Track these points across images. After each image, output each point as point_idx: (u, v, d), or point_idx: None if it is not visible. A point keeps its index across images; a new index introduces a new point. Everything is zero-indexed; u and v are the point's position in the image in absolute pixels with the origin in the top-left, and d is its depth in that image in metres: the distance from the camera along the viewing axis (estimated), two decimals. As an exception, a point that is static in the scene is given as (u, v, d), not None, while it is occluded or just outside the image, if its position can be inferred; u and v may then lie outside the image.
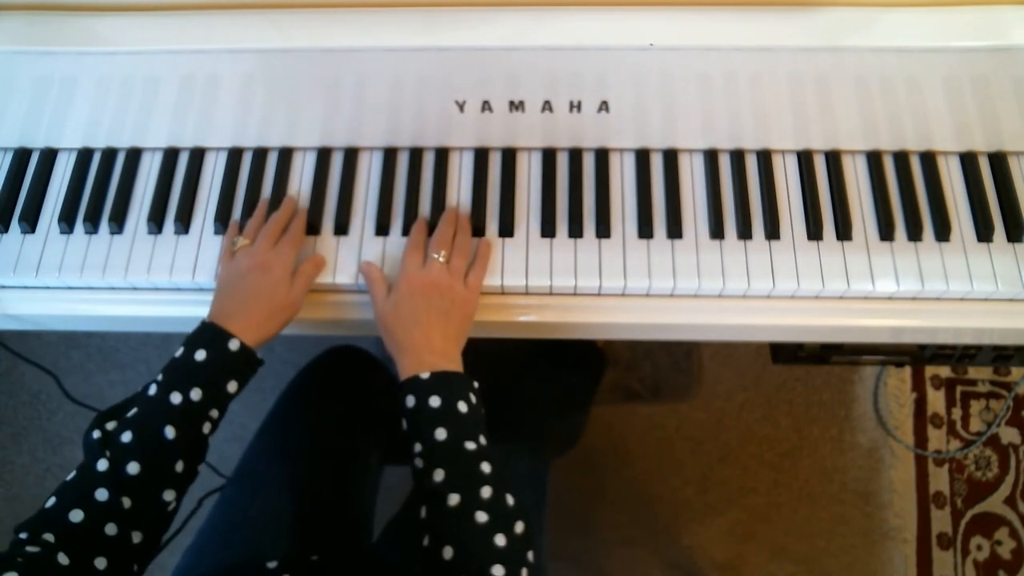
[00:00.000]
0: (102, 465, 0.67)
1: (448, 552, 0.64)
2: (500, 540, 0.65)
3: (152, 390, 0.71)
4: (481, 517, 0.65)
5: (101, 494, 0.66)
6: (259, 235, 0.80)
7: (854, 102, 0.81)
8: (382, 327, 0.76)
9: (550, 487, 1.06)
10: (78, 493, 0.66)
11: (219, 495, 0.95)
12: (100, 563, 0.64)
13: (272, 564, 0.76)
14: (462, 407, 0.70)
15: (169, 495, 0.69)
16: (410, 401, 0.70)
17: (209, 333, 0.73)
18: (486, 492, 0.66)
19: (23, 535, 0.64)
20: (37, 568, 0.61)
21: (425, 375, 0.71)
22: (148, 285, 0.85)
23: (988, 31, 0.76)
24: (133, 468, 0.67)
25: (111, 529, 0.65)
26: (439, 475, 0.67)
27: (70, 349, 1.69)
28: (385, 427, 1.05)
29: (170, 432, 0.69)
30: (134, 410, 0.70)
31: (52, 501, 0.66)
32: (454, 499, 0.66)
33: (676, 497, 1.55)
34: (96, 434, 0.69)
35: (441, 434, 0.68)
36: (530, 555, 0.66)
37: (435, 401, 0.70)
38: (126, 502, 0.66)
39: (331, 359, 1.07)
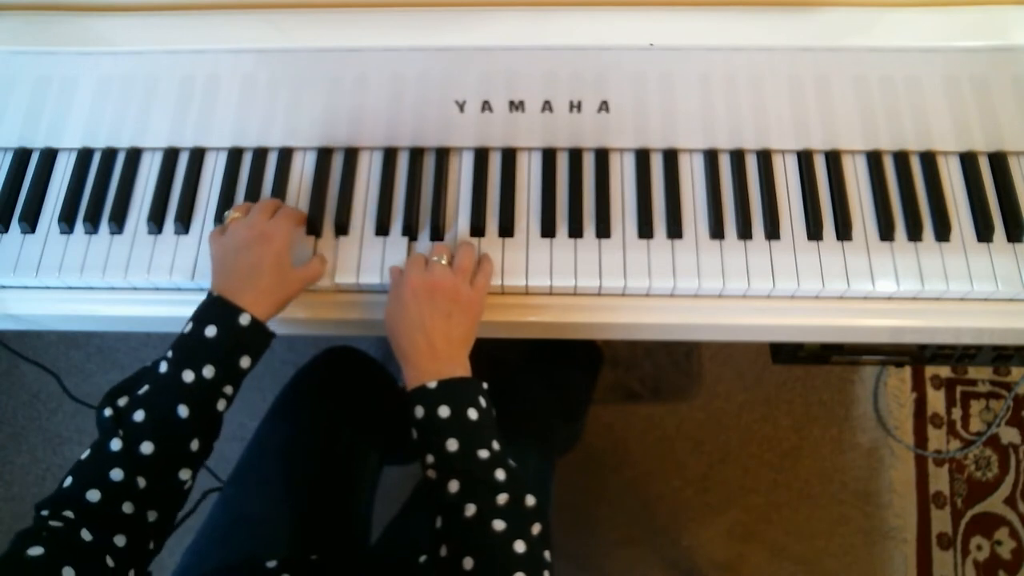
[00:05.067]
0: (116, 445, 0.66)
1: (468, 563, 0.63)
2: (519, 546, 0.64)
3: (163, 367, 0.70)
4: (499, 525, 0.64)
5: (116, 474, 0.65)
6: (253, 208, 0.79)
7: (854, 102, 0.81)
8: (387, 333, 0.76)
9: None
10: (94, 473, 0.66)
11: (218, 495, 0.95)
12: (119, 540, 0.64)
13: (271, 564, 0.76)
14: (472, 414, 0.69)
15: (185, 474, 0.69)
16: (419, 412, 0.69)
17: (218, 307, 0.72)
18: (502, 499, 0.66)
19: (44, 512, 0.64)
20: (61, 543, 0.61)
21: (432, 384, 0.69)
22: (148, 285, 0.85)
23: (988, 31, 0.76)
24: (147, 448, 0.66)
25: (128, 508, 0.65)
26: (454, 486, 0.66)
27: (70, 349, 1.69)
28: (384, 427, 1.05)
29: (183, 411, 0.68)
30: (145, 387, 0.69)
31: (69, 480, 0.66)
32: (471, 509, 0.65)
33: (676, 497, 1.56)
34: (108, 411, 0.69)
35: (453, 445, 0.67)
36: (547, 555, 0.66)
37: (444, 411, 0.68)
38: (141, 482, 0.66)
39: (329, 359, 1.07)
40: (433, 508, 0.68)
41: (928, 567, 1.51)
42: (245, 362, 0.72)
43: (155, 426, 0.67)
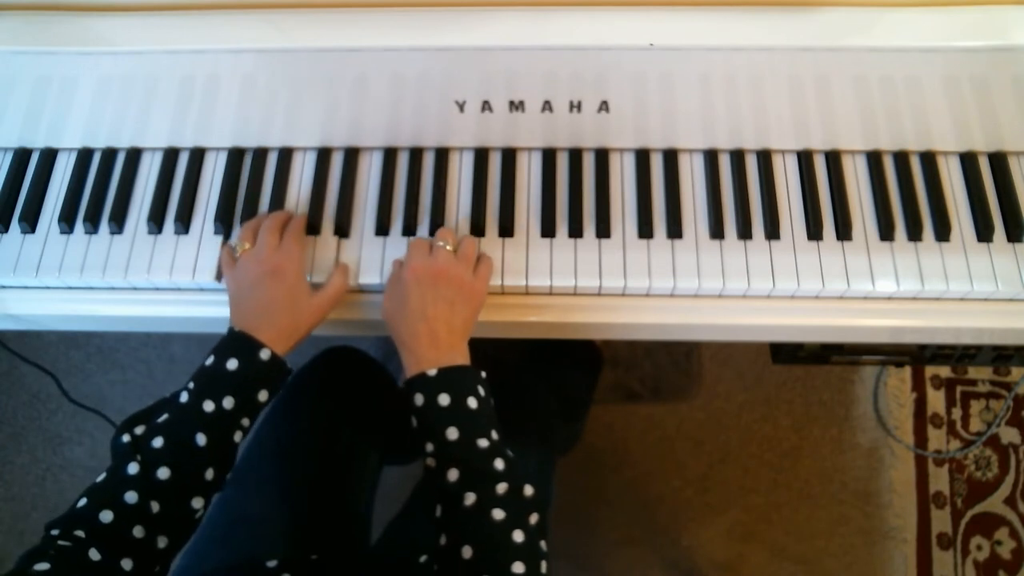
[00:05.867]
0: (133, 469, 0.67)
1: (467, 551, 0.64)
2: (518, 536, 0.64)
3: (184, 397, 0.71)
4: (498, 514, 0.65)
5: (131, 497, 0.66)
6: (260, 234, 0.79)
7: (854, 102, 0.81)
8: (386, 321, 0.76)
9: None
10: (108, 495, 0.66)
11: (218, 495, 0.94)
12: (126, 564, 0.65)
13: (272, 563, 0.76)
14: (472, 403, 0.70)
15: (197, 502, 0.70)
16: (419, 399, 0.70)
17: (239, 342, 0.73)
18: (501, 488, 0.66)
19: (55, 531, 0.64)
20: (68, 561, 0.61)
21: (432, 372, 0.70)
22: (148, 285, 0.85)
23: (988, 31, 0.76)
24: (164, 473, 0.67)
25: (138, 532, 0.66)
26: (453, 475, 0.67)
27: (70, 349, 1.69)
28: (384, 427, 1.05)
29: (201, 439, 0.69)
30: (165, 416, 0.70)
31: (83, 502, 0.67)
32: (470, 498, 0.65)
33: (676, 497, 1.56)
34: (126, 438, 0.69)
35: (453, 433, 0.68)
36: (543, 544, 0.66)
37: (444, 399, 0.69)
38: (154, 506, 0.67)
39: (329, 359, 1.07)
40: (433, 497, 0.69)
41: (928, 567, 1.51)
42: (263, 395, 0.73)
43: (173, 452, 0.68)
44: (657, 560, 1.53)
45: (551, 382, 1.28)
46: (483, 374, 0.73)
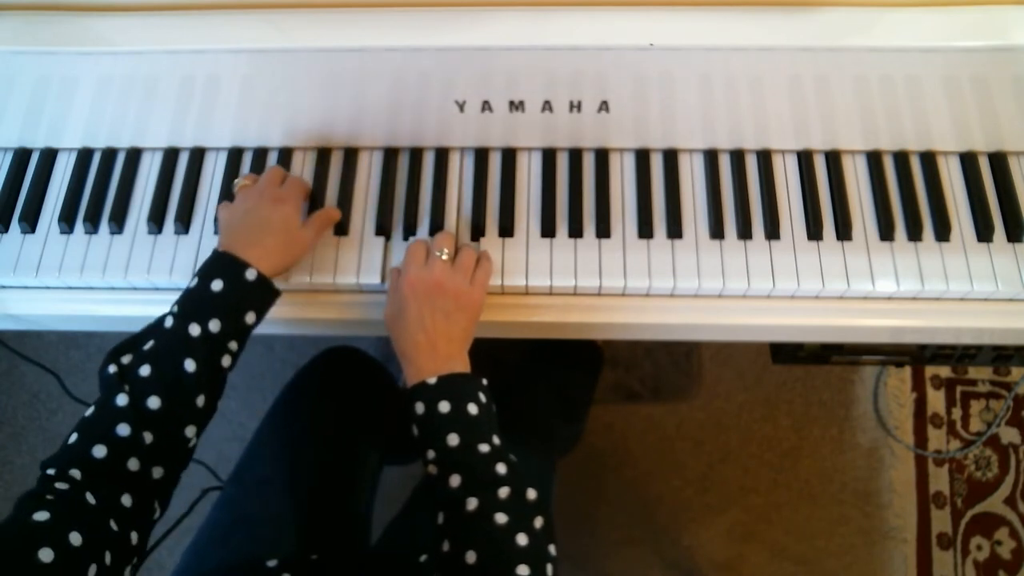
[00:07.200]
0: (122, 400, 0.66)
1: (471, 556, 0.63)
2: (522, 539, 0.64)
3: (169, 322, 0.70)
4: (501, 518, 0.64)
5: (123, 429, 0.65)
6: (262, 177, 0.80)
7: (854, 102, 0.81)
8: (388, 330, 0.76)
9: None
10: (100, 429, 0.65)
11: (219, 495, 0.95)
12: (126, 500, 0.64)
13: (272, 563, 0.76)
14: (472, 409, 0.69)
15: (190, 431, 0.69)
16: (419, 408, 0.69)
17: (224, 262, 0.72)
18: (504, 492, 0.66)
19: (50, 471, 0.64)
20: (68, 507, 0.61)
21: (432, 380, 0.70)
22: (148, 285, 0.85)
23: (988, 31, 0.76)
24: (154, 403, 0.66)
25: (133, 464, 0.65)
26: (455, 480, 0.66)
27: (70, 349, 1.69)
28: (384, 427, 1.05)
29: (190, 365, 0.68)
30: (151, 343, 0.69)
31: (74, 437, 0.66)
32: (472, 503, 0.65)
33: (676, 497, 1.56)
34: (112, 368, 0.68)
35: (453, 440, 0.68)
36: (551, 548, 0.66)
37: (444, 407, 0.69)
38: (148, 437, 0.66)
39: (329, 359, 1.07)
40: (435, 503, 0.68)
41: (928, 567, 1.51)
42: (250, 318, 0.72)
43: (162, 380, 0.67)
44: (657, 560, 1.53)
45: (551, 382, 1.28)
46: (484, 381, 0.72)
